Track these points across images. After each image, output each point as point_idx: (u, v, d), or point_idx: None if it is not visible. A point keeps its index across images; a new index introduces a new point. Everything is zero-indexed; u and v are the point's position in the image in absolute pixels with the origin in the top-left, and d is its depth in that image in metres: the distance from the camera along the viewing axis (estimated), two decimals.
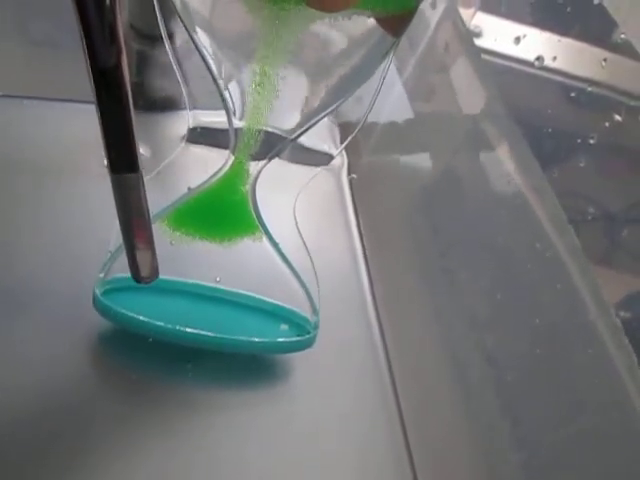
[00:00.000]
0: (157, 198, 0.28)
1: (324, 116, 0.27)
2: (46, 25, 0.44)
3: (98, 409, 0.30)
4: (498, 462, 0.29)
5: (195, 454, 0.30)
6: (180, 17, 0.24)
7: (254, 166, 0.29)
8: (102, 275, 0.30)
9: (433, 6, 0.39)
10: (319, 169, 0.33)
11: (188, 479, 0.29)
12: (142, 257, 0.24)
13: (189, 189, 0.31)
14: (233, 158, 0.29)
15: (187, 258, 0.31)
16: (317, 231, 0.41)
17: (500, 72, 0.33)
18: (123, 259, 0.24)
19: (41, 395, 0.29)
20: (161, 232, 0.30)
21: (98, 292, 0.30)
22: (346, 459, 0.32)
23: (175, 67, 0.29)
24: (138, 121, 0.20)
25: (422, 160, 0.40)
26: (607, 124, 0.24)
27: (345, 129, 0.47)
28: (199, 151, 0.35)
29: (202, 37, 0.24)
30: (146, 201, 0.22)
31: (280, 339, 0.32)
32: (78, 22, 0.18)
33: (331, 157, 0.35)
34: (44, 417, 0.29)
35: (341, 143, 0.46)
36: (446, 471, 0.32)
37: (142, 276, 0.24)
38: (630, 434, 0.22)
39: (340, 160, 0.47)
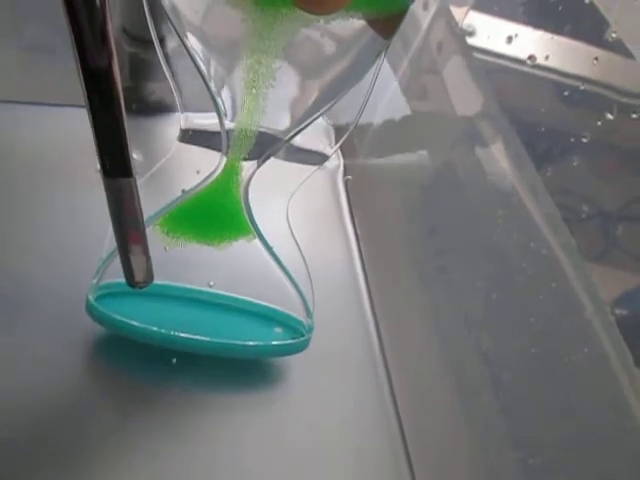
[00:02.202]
0: (150, 201, 0.28)
1: (317, 117, 0.27)
2: (39, 30, 0.44)
3: (93, 413, 0.30)
4: (496, 462, 0.28)
5: (190, 458, 0.30)
6: (171, 21, 0.24)
7: (247, 168, 0.29)
8: (95, 281, 0.30)
9: (425, 6, 0.39)
10: (314, 169, 0.33)
11: None
12: (136, 262, 0.24)
13: (183, 191, 0.31)
14: (226, 160, 0.29)
15: (180, 262, 0.31)
16: (313, 233, 0.41)
17: (493, 71, 0.33)
18: (116, 264, 0.24)
19: (36, 399, 0.29)
20: (154, 236, 0.30)
21: (91, 298, 0.30)
22: (344, 461, 0.32)
23: (166, 70, 0.29)
24: (131, 125, 0.20)
25: (417, 160, 0.40)
26: (600, 122, 0.24)
27: (340, 130, 0.47)
28: (192, 154, 0.35)
29: (193, 41, 0.24)
30: (140, 205, 0.22)
31: (274, 342, 0.32)
32: (69, 26, 0.18)
33: (326, 157, 0.35)
34: (39, 421, 0.29)
35: (336, 144, 0.46)
36: (444, 472, 0.32)
37: (137, 281, 0.24)
38: (626, 432, 0.22)
39: (336, 162, 0.47)
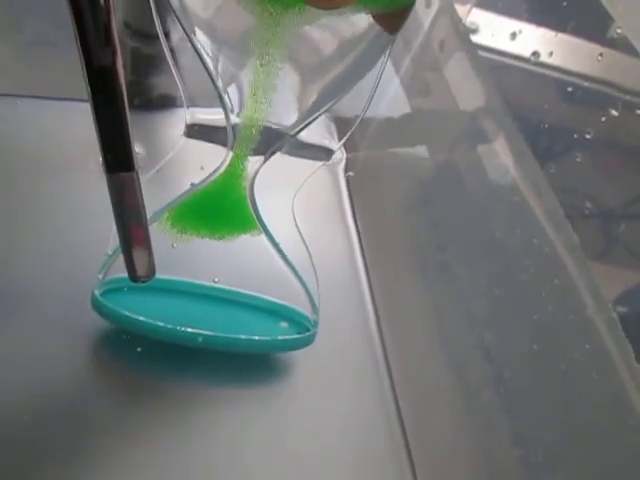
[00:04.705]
0: (155, 196, 0.28)
1: (323, 112, 0.27)
2: (40, 23, 0.44)
3: (97, 409, 0.30)
4: (498, 459, 0.29)
5: (194, 453, 0.30)
6: (177, 16, 0.24)
7: (253, 163, 0.29)
8: (101, 276, 0.30)
9: (428, 3, 0.39)
10: (319, 165, 0.33)
11: (187, 479, 0.29)
12: (138, 256, 0.24)
13: (192, 185, 0.31)
14: (231, 155, 0.29)
15: (186, 258, 0.31)
16: (315, 229, 0.41)
17: (496, 68, 0.33)
18: (122, 259, 0.24)
19: (40, 396, 0.29)
20: (161, 230, 0.30)
21: (97, 293, 0.30)
22: (345, 457, 0.32)
23: (171, 65, 0.29)
24: (133, 119, 0.20)
25: (419, 156, 0.40)
26: (603, 119, 0.24)
27: (341, 125, 0.46)
28: (197, 149, 0.35)
29: (200, 36, 0.24)
30: (142, 200, 0.22)
31: (280, 337, 0.32)
32: (73, 21, 0.18)
33: (331, 152, 0.35)
34: (43, 417, 0.29)
35: (339, 139, 0.46)
36: (445, 468, 0.32)
37: (138, 275, 0.24)
38: (628, 429, 0.22)
39: (337, 157, 0.47)
